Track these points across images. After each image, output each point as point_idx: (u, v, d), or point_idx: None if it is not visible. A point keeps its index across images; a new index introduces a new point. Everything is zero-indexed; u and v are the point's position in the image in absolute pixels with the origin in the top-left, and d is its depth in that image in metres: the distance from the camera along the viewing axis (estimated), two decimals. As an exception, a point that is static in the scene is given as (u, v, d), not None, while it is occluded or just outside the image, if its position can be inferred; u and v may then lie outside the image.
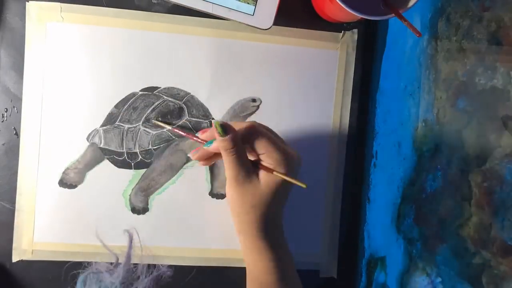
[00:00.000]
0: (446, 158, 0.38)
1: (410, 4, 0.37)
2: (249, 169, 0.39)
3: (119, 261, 0.46)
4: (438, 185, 0.39)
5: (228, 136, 0.37)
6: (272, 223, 0.40)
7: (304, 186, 0.38)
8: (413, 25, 0.36)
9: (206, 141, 0.41)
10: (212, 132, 0.41)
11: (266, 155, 0.38)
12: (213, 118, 0.48)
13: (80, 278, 0.45)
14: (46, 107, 0.45)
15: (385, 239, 0.48)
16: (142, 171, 0.47)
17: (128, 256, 0.46)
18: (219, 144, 0.38)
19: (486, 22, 0.34)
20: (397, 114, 0.47)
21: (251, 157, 0.40)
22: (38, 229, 0.46)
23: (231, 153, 0.37)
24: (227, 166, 0.38)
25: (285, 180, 0.38)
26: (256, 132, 0.38)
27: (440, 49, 0.40)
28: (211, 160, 0.42)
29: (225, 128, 0.37)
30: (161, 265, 0.47)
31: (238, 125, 0.38)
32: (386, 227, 0.48)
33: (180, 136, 0.47)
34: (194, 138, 0.42)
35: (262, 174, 0.39)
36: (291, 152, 0.39)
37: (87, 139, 0.46)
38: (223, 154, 0.38)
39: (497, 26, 0.33)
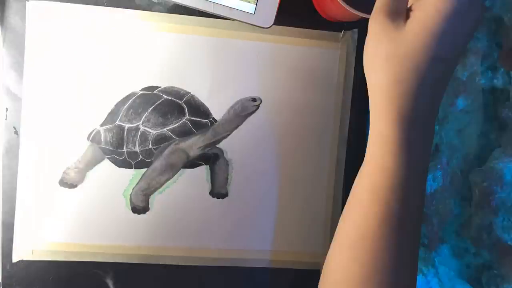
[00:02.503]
0: (446, 158, 0.38)
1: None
2: (401, 4, 0.28)
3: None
4: (438, 185, 0.39)
5: None
6: (420, 98, 0.26)
7: None
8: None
9: None
10: None
11: None
12: (213, 118, 0.48)
13: None
14: (46, 107, 0.45)
15: (385, 238, 0.48)
16: (143, 170, 0.47)
17: None
18: None
19: (486, 22, 0.34)
20: (397, 114, 0.47)
21: None
22: (38, 229, 0.46)
23: None
24: None
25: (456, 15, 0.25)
26: None
27: (440, 49, 0.40)
28: None
29: None
30: None
31: None
32: (386, 227, 0.48)
33: None
34: None
35: (415, 12, 0.27)
36: None
37: (88, 138, 0.46)
38: None
39: (497, 26, 0.33)
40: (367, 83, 0.29)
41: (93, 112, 0.46)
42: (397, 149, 0.27)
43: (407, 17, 0.27)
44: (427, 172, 0.29)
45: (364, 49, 0.29)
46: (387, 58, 0.26)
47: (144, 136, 0.47)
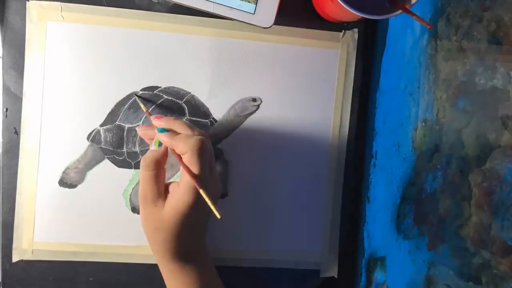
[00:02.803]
0: (446, 158, 0.38)
1: (413, 1, 0.37)
2: (160, 190, 0.39)
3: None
4: (438, 185, 0.39)
5: (157, 151, 0.39)
6: (185, 246, 0.39)
7: (219, 217, 0.35)
8: (414, 24, 0.36)
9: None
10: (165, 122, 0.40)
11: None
12: (213, 118, 0.48)
13: None
14: (46, 107, 0.45)
15: (385, 239, 0.48)
16: (142, 170, 0.47)
17: None
18: (147, 154, 0.39)
19: (486, 22, 0.34)
20: (397, 114, 0.47)
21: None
22: (38, 229, 0.46)
23: (150, 169, 0.38)
24: (141, 182, 0.39)
25: (197, 203, 0.37)
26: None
27: (440, 49, 0.40)
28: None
29: (159, 142, 0.39)
30: None
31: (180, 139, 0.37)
32: (386, 227, 0.48)
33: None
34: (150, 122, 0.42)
35: (170, 197, 0.38)
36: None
37: (88, 138, 0.46)
38: (141, 168, 0.39)
39: (497, 26, 0.33)
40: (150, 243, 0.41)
41: (93, 112, 0.46)
42: (184, 271, 0.40)
43: (166, 197, 0.38)
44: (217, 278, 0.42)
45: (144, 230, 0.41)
46: (156, 229, 0.38)
47: (144, 136, 0.47)
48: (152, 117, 0.40)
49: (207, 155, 0.37)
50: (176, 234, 0.38)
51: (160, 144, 0.39)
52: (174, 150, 0.38)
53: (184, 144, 0.36)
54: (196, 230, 0.40)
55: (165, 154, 0.40)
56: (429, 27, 0.34)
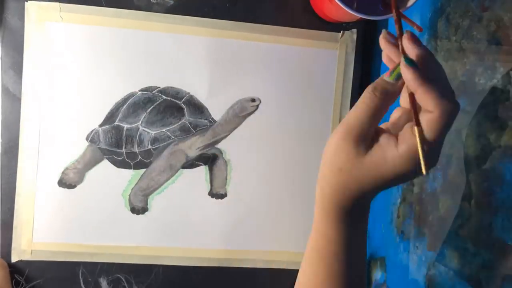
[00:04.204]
0: (446, 158, 0.38)
1: (409, 3, 0.37)
2: (371, 131, 0.30)
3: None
4: (438, 185, 0.39)
5: (398, 81, 0.29)
6: (364, 201, 0.32)
7: (424, 172, 0.28)
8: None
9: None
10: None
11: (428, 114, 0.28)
12: (212, 118, 0.48)
13: None
14: (45, 107, 0.45)
15: (385, 239, 0.48)
16: (142, 171, 0.47)
17: None
18: (378, 81, 0.30)
19: (486, 22, 0.34)
20: (397, 114, 0.47)
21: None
22: (37, 229, 0.46)
23: (376, 98, 0.30)
24: (355, 109, 0.30)
25: (402, 165, 0.29)
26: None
27: (440, 49, 0.40)
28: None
29: (399, 75, 0.29)
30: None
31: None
32: (386, 227, 0.48)
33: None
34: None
35: (378, 150, 0.30)
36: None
37: (87, 139, 0.46)
38: (365, 93, 0.30)
39: (496, 26, 0.33)
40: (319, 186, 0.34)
41: (92, 113, 0.46)
42: (338, 223, 0.33)
43: (370, 146, 0.30)
44: (366, 236, 0.35)
45: (323, 159, 0.34)
46: (341, 170, 0.31)
47: (143, 137, 0.47)
48: (405, 33, 0.29)
49: (450, 128, 0.28)
50: (361, 190, 0.31)
51: (398, 77, 0.30)
52: (413, 94, 0.29)
53: (436, 100, 0.27)
54: (377, 191, 0.32)
55: (398, 92, 0.31)
56: (419, 30, 0.33)
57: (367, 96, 0.30)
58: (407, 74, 0.28)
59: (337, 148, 0.31)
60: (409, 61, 0.28)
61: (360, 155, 0.30)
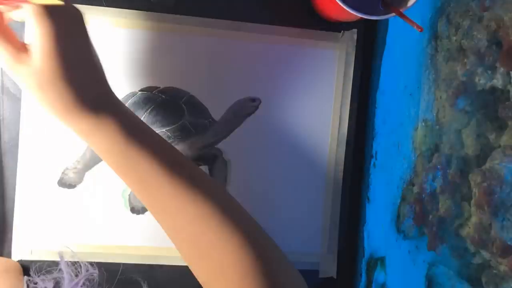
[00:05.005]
0: (446, 158, 0.38)
1: (409, 3, 0.37)
2: (16, 44, 0.32)
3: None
4: (438, 185, 0.39)
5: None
6: (87, 88, 0.34)
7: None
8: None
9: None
10: None
11: None
12: (212, 118, 0.48)
13: None
14: (45, 107, 0.45)
15: (385, 239, 0.48)
16: (142, 171, 0.47)
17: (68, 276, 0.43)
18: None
19: (486, 22, 0.34)
20: (397, 114, 0.47)
21: None
22: (37, 229, 0.46)
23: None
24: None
25: (58, 29, 0.31)
26: None
27: (440, 49, 0.40)
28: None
29: None
30: (86, 264, 0.44)
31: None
32: (386, 227, 0.48)
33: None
34: None
35: (30, 46, 0.32)
36: None
37: (87, 139, 0.46)
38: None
39: (497, 26, 0.33)
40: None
41: (92, 112, 0.46)
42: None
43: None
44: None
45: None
46: (40, 87, 0.32)
47: (143, 136, 0.47)
48: None
49: None
50: (66, 78, 0.32)
51: None
52: None
53: None
54: (85, 64, 0.34)
55: None
56: (419, 30, 0.34)
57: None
58: None
59: (22, 80, 0.33)
60: None
61: (29, 61, 0.32)
